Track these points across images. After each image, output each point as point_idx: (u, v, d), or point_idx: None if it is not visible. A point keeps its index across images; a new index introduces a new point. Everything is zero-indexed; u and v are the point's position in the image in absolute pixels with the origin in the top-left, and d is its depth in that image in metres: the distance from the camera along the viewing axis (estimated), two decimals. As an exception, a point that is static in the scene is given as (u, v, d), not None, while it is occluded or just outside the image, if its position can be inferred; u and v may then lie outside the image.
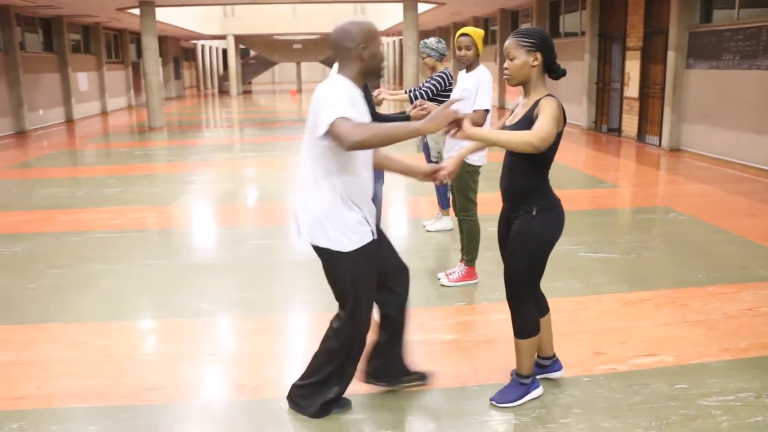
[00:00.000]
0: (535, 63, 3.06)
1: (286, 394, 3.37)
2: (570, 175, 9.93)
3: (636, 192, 9.01)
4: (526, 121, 3.04)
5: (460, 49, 4.84)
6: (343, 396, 3.32)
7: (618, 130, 14.72)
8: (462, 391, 3.51)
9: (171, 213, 8.05)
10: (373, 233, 3.10)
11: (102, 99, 24.69)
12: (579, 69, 15.84)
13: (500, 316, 4.49)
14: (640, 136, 13.66)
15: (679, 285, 5.12)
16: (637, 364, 3.77)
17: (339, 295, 3.18)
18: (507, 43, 3.12)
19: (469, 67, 4.86)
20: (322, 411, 3.27)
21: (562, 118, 3.03)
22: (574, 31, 17.22)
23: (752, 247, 6.11)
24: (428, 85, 5.51)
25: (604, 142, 14.00)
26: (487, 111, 4.78)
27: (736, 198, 8.25)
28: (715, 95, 11.09)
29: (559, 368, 3.62)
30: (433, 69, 5.70)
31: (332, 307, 3.16)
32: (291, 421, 3.27)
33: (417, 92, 5.49)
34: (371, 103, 4.89)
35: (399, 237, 6.50)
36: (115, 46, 27.44)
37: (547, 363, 3.60)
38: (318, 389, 3.26)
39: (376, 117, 4.77)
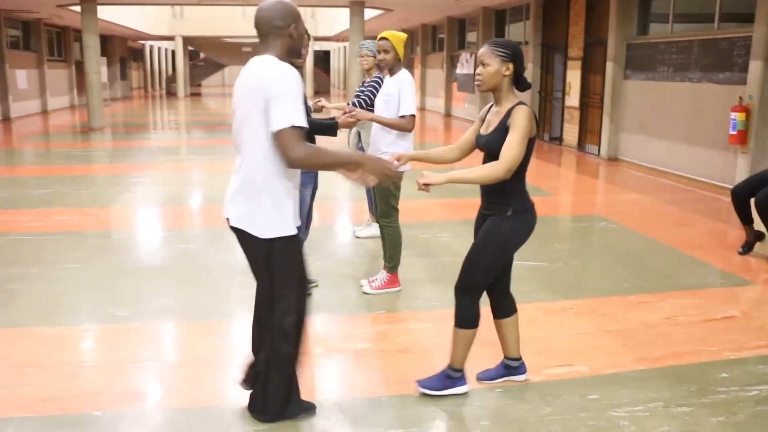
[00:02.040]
0: (507, 72, 3.22)
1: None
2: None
3: (571, 200, 9.10)
4: (502, 131, 3.17)
5: (379, 52, 4.81)
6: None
7: (559, 139, 14.92)
8: (370, 402, 3.43)
9: (99, 216, 7.78)
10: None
11: (42, 97, 23.96)
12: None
13: (419, 325, 4.44)
14: (581, 145, 13.87)
15: (602, 294, 5.15)
16: (551, 375, 3.74)
17: (284, 283, 3.05)
18: (482, 51, 3.25)
19: (391, 72, 4.83)
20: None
21: (534, 125, 3.17)
22: (518, 41, 17.40)
23: (678, 256, 6.20)
24: (367, 93, 5.63)
25: (545, 151, 14.15)
26: (413, 116, 4.75)
27: (667, 207, 8.40)
28: (650, 106, 11.31)
29: (524, 371, 3.66)
30: (368, 72, 5.79)
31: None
32: (193, 431, 3.14)
33: (356, 101, 5.63)
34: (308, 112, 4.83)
35: (328, 243, 6.39)
36: (58, 43, 26.68)
37: (516, 364, 3.64)
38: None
39: (309, 123, 4.69)
